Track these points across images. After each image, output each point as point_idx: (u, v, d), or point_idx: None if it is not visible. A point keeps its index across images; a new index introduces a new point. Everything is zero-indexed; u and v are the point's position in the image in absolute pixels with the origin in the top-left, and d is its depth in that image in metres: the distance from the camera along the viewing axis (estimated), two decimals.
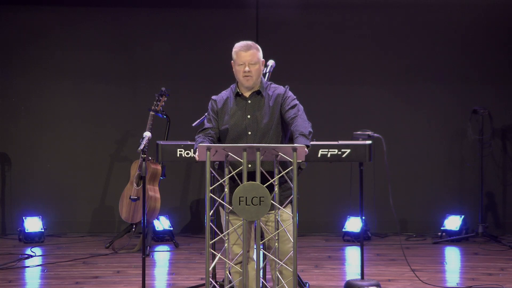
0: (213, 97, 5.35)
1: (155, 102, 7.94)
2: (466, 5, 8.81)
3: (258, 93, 5.25)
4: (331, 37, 8.94)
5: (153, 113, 7.88)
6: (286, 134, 5.27)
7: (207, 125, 5.29)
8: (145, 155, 6.60)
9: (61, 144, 8.98)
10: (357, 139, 6.20)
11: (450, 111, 8.91)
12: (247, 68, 5.18)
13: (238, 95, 5.26)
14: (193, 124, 6.33)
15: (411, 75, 8.94)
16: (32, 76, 8.94)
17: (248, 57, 5.19)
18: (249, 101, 5.24)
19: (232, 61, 5.25)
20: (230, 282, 5.11)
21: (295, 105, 5.20)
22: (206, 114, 5.38)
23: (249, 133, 5.18)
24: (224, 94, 5.33)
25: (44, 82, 8.96)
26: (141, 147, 6.47)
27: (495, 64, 8.88)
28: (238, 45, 5.25)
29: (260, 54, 5.24)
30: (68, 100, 8.98)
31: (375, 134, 6.40)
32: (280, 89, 5.30)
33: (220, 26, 8.86)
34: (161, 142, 5.93)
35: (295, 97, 5.26)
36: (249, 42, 5.25)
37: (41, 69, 8.94)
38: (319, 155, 5.83)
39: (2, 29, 8.92)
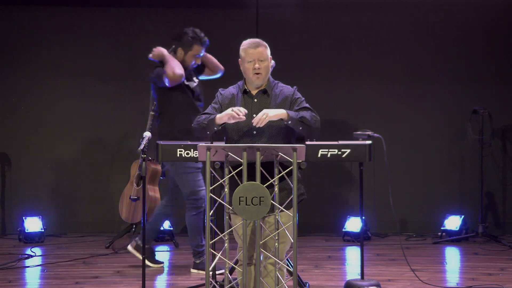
0: (221, 90, 5.35)
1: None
2: (467, 5, 8.81)
3: (264, 92, 5.24)
4: (331, 37, 8.94)
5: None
6: (294, 135, 5.26)
7: (210, 110, 5.27)
8: (145, 155, 6.60)
9: (61, 144, 8.98)
10: (357, 139, 6.20)
11: (450, 111, 8.91)
12: (257, 65, 5.17)
13: (245, 92, 5.25)
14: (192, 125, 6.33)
15: (411, 75, 8.94)
16: (32, 76, 8.95)
17: (257, 54, 5.18)
18: (255, 100, 5.23)
19: (239, 59, 5.24)
20: (230, 282, 5.11)
21: (307, 108, 5.18)
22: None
23: (254, 132, 5.16)
24: (232, 89, 5.31)
25: (44, 82, 8.96)
26: (141, 147, 6.47)
27: (495, 64, 8.89)
28: (246, 43, 5.24)
29: (268, 51, 5.23)
30: (68, 100, 8.98)
31: (375, 134, 6.40)
32: (288, 89, 5.27)
33: (220, 26, 8.85)
34: (161, 142, 5.93)
35: (303, 98, 5.25)
36: (257, 40, 5.25)
37: (41, 69, 8.95)
38: (319, 155, 5.82)
39: (2, 29, 8.92)
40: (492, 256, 7.84)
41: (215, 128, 5.14)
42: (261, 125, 5.03)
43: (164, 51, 7.12)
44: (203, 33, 7.15)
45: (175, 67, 6.95)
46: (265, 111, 5.04)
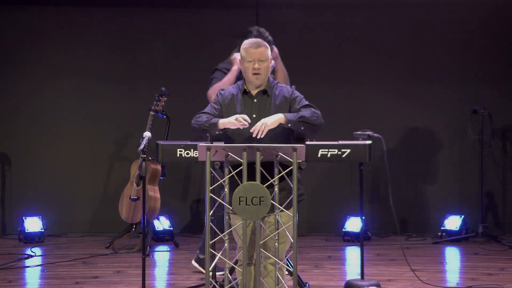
0: (221, 90, 5.35)
1: (155, 102, 7.93)
2: (467, 5, 8.81)
3: (264, 92, 5.24)
4: (331, 37, 8.94)
5: (153, 113, 7.88)
6: (294, 135, 5.27)
7: (209, 110, 5.26)
8: (145, 155, 6.60)
9: (61, 144, 8.98)
10: (357, 139, 6.20)
11: (450, 111, 8.91)
12: (256, 65, 5.17)
13: (245, 92, 5.25)
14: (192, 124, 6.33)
15: (411, 75, 8.93)
16: (32, 76, 8.94)
17: (257, 54, 5.18)
18: (255, 100, 5.23)
19: (239, 59, 5.25)
20: (230, 282, 5.11)
21: (307, 105, 5.18)
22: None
23: None
24: (231, 89, 5.31)
25: (44, 82, 8.96)
26: (141, 147, 6.47)
27: (495, 64, 8.88)
28: (247, 42, 5.25)
29: (269, 52, 5.24)
30: (68, 100, 8.98)
31: (375, 134, 6.39)
32: (287, 89, 5.27)
33: (220, 26, 8.85)
34: (161, 142, 5.93)
35: (303, 96, 5.25)
36: (258, 40, 5.27)
37: (41, 69, 8.94)
38: (319, 155, 5.82)
39: (2, 29, 8.92)
40: (492, 256, 7.84)
41: (217, 132, 5.14)
42: (261, 136, 5.02)
43: (235, 65, 6.92)
44: (267, 32, 7.03)
45: (213, 94, 6.84)
46: (263, 120, 5.04)
